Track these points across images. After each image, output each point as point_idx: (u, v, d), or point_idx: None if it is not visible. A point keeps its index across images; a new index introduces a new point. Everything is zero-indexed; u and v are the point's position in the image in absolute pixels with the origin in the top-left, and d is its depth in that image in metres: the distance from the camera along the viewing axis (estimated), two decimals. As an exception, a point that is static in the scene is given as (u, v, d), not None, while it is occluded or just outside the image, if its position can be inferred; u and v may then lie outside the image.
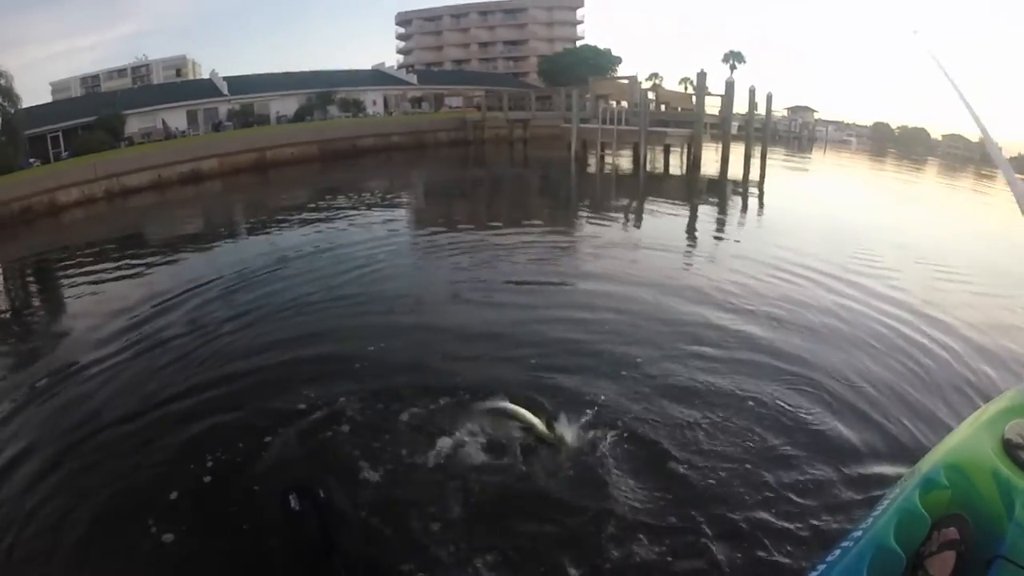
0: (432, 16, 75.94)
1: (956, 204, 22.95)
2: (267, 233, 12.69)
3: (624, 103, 26.88)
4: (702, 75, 25.02)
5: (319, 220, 13.32)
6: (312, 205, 15.86)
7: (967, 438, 2.68)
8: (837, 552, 2.19)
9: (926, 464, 2.58)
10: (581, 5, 72.25)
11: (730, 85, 26.70)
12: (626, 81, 27.99)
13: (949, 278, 9.25)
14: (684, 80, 45.47)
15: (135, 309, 7.64)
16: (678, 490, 3.82)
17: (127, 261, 10.43)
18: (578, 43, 63.72)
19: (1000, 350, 6.31)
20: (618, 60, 52.70)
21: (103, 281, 9.36)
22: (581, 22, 72.26)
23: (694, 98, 25.87)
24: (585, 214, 14.41)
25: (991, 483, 2.31)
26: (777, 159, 33.82)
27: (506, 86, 48.24)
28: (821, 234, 12.21)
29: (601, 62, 50.16)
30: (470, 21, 73.94)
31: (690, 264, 9.78)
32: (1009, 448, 2.43)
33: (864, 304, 7.60)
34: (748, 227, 13.95)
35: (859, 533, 2.24)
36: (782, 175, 27.02)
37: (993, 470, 2.35)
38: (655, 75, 61.69)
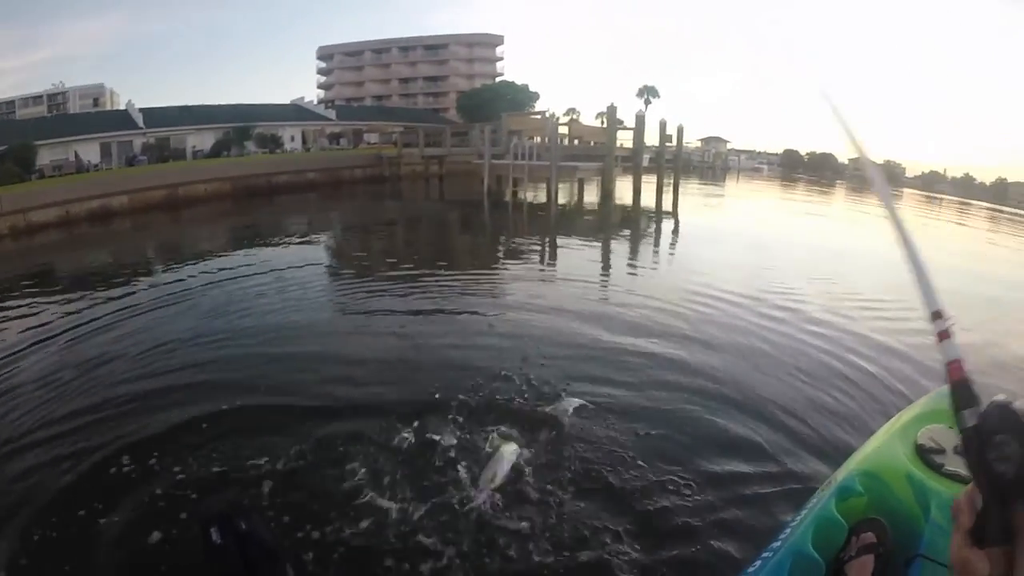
0: (354, 51, 75.90)
1: (861, 224, 23.76)
2: (175, 271, 12.03)
3: (537, 139, 26.92)
4: (612, 109, 25.43)
5: (229, 262, 12.68)
6: (223, 245, 15.33)
7: (881, 445, 2.74)
8: (758, 563, 2.21)
9: (842, 473, 2.63)
10: (501, 43, 73.54)
11: (640, 118, 27.23)
12: (539, 117, 27.96)
13: (858, 295, 9.53)
14: (601, 115, 46.29)
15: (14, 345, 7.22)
16: (604, 510, 3.76)
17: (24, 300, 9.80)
18: (497, 79, 64.28)
19: (908, 361, 6.41)
20: (536, 96, 53.55)
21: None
22: (501, 59, 73.55)
23: (632, 136, 26.41)
24: (498, 250, 14.18)
25: (906, 487, 2.38)
26: (692, 189, 34.86)
27: (426, 122, 48.30)
28: (734, 258, 12.47)
29: (519, 98, 50.78)
30: (392, 56, 74.21)
31: (603, 292, 9.73)
32: (922, 452, 2.52)
33: (778, 322, 7.73)
34: (661, 254, 14.02)
35: (778, 544, 2.26)
36: (696, 204, 27.68)
37: (907, 474, 2.41)
38: (572, 110, 63.03)
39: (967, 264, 14.83)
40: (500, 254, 13.41)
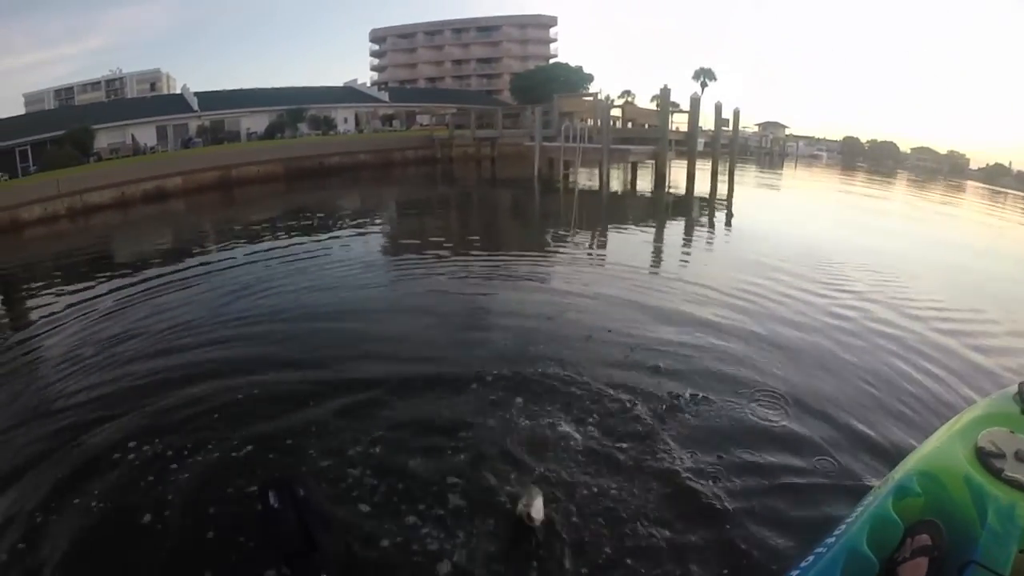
0: (406, 33, 75.92)
1: (924, 217, 22.91)
2: (227, 250, 12.27)
3: (589, 121, 26.56)
4: (666, 91, 24.79)
5: (283, 241, 12.95)
6: (274, 225, 15.47)
7: (940, 446, 2.72)
8: (811, 558, 2.19)
9: (899, 472, 2.61)
10: (555, 24, 72.77)
11: (695, 101, 26.52)
12: (591, 99, 27.54)
13: (918, 291, 9.20)
14: (655, 98, 45.41)
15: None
16: (655, 502, 3.73)
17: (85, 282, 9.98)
18: (551, 61, 63.67)
19: (971, 364, 6.19)
20: (590, 78, 52.82)
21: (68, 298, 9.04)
22: (555, 40, 72.77)
23: (687, 120, 25.79)
24: (547, 234, 13.92)
25: (964, 490, 2.35)
26: (749, 175, 34.01)
27: (478, 103, 48.14)
28: (790, 249, 12.06)
29: (573, 79, 50.17)
30: (444, 39, 74.01)
31: (652, 280, 9.49)
32: (982, 456, 2.48)
33: (837, 318, 7.48)
34: (715, 243, 13.63)
35: (832, 540, 2.24)
36: (752, 191, 26.97)
37: (966, 477, 2.38)
38: (627, 92, 62.05)
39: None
40: (549, 239, 13.18)
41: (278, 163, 28.68)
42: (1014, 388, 3.02)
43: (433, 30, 74.60)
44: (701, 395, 5.05)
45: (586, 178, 24.40)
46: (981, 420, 2.81)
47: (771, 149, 56.88)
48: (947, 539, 2.17)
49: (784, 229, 15.80)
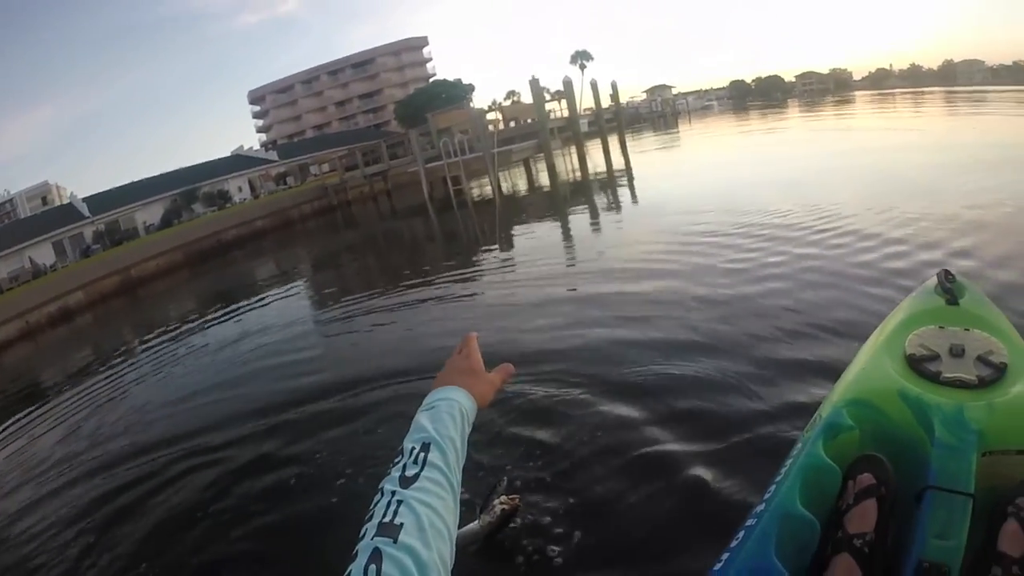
0: (283, 87, 74.96)
1: (817, 139, 23.41)
2: (144, 351, 11.28)
3: (469, 131, 26.09)
4: (534, 81, 24.53)
5: (187, 333, 12.00)
6: (176, 318, 14.42)
7: (866, 366, 2.37)
8: (741, 535, 1.78)
9: (827, 407, 2.23)
10: (426, 44, 72.77)
11: (568, 84, 26.33)
12: (463, 110, 27.05)
13: (829, 208, 9.29)
14: (544, 89, 45.29)
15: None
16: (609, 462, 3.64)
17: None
18: (431, 80, 63.35)
19: (893, 267, 6.16)
20: (471, 88, 52.60)
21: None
22: (430, 60, 72.56)
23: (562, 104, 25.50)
24: (452, 252, 13.87)
25: (902, 408, 2.05)
26: (646, 141, 34.20)
27: (368, 139, 47.30)
28: (696, 200, 12.35)
29: (455, 94, 49.90)
30: (322, 84, 73.25)
31: (565, 264, 9.73)
32: (914, 363, 2.21)
33: (755, 257, 7.48)
34: (623, 218, 13.60)
35: (762, 507, 1.85)
36: (652, 156, 27.03)
37: (900, 393, 2.08)
38: (513, 92, 61.85)
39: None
40: (455, 256, 13.01)
41: (177, 251, 27.44)
42: (935, 280, 2.70)
43: (309, 78, 73.78)
44: (643, 360, 4.93)
45: (480, 189, 23.94)
46: (906, 323, 2.50)
47: (663, 111, 57.96)
48: (893, 472, 1.83)
49: (688, 184, 15.99)
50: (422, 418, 0.95)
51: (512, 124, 29.10)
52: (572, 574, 2.96)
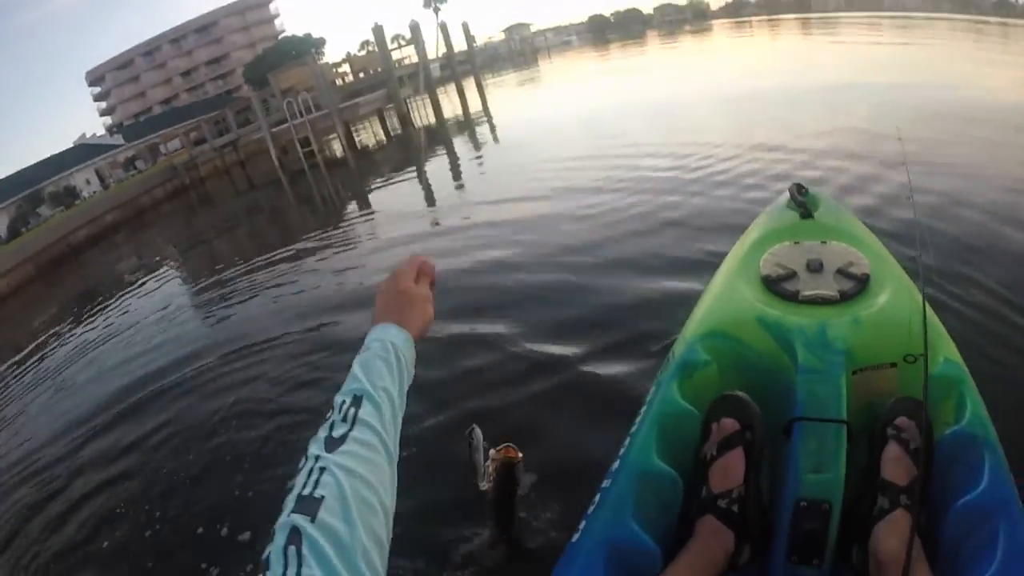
0: (123, 63, 69.40)
1: (679, 61, 23.97)
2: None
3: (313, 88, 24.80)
4: (378, 28, 23.40)
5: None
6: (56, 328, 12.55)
7: (719, 294, 2.20)
8: (596, 499, 1.56)
9: (680, 345, 2.05)
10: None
11: (415, 28, 25.34)
12: (306, 65, 25.55)
13: (692, 124, 10.05)
14: (396, 37, 43.47)
15: None
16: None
17: None
18: (280, 37, 60.15)
19: (748, 182, 6.43)
20: (321, 42, 50.26)
21: None
22: (277, 16, 68.83)
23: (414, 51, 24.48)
24: (311, 222, 13.06)
25: (762, 335, 1.85)
26: (506, 80, 34.12)
27: (220, 108, 44.47)
28: (559, 131, 12.83)
29: (304, 49, 47.36)
30: (164, 54, 68.36)
31: (431, 214, 9.60)
32: (770, 284, 2.05)
33: (617, 184, 7.69)
34: (484, 154, 13.82)
35: (617, 464, 1.63)
36: (511, 94, 27.19)
37: (759, 319, 1.89)
38: (367, 43, 59.67)
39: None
40: (316, 223, 12.23)
41: (27, 264, 24.50)
42: (787, 195, 2.59)
43: (150, 49, 68.32)
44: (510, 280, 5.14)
45: (334, 147, 22.98)
46: (760, 243, 2.34)
47: (522, 49, 58.14)
48: (758, 411, 1.67)
49: (544, 117, 16.39)
50: (356, 365, 0.84)
51: (361, 75, 27.82)
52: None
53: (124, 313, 10.62)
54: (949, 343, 1.88)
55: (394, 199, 11.88)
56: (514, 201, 8.06)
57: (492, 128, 17.88)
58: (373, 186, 14.43)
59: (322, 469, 0.66)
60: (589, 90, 22.40)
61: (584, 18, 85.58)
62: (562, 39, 69.66)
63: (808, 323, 1.83)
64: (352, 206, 12.83)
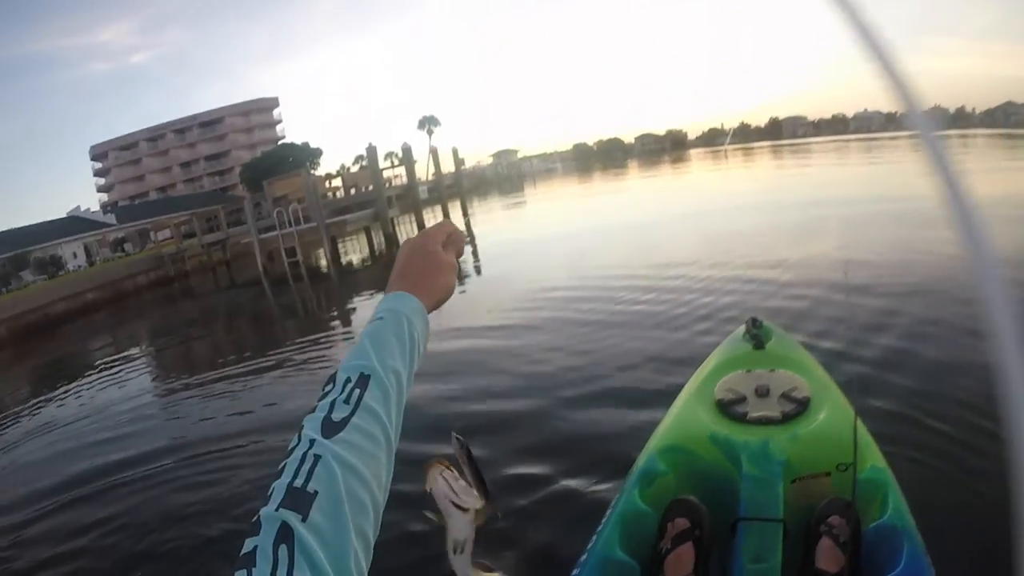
0: (127, 144, 71.13)
1: (656, 190, 25.15)
2: None
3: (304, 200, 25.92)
4: (371, 149, 24.83)
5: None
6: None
7: (680, 414, 2.55)
8: None
9: (643, 457, 2.37)
10: (276, 105, 71.57)
11: (407, 151, 26.82)
12: (300, 176, 26.86)
13: (665, 255, 10.68)
14: (390, 155, 45.19)
15: None
16: None
17: None
18: (280, 143, 62.28)
19: (707, 313, 7.02)
20: (319, 152, 52.14)
21: None
22: (280, 122, 71.32)
23: (404, 172, 25.57)
24: (290, 332, 13.39)
25: (713, 450, 2.21)
26: (493, 204, 35.19)
27: (213, 204, 45.62)
28: (540, 260, 13.32)
29: (302, 158, 49.29)
30: (168, 142, 70.30)
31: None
32: (723, 408, 2.37)
33: (598, 306, 8.35)
34: (466, 284, 13.66)
35: (585, 556, 1.95)
36: (497, 217, 27.76)
37: (711, 436, 2.25)
38: (361, 157, 61.90)
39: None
40: (294, 334, 12.61)
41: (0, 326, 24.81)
42: (743, 327, 2.92)
43: (155, 135, 70.48)
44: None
45: (317, 260, 23.69)
46: (716, 370, 2.69)
47: (509, 174, 59.85)
48: (707, 513, 1.94)
49: (528, 248, 16.91)
50: (365, 337, 0.76)
51: (352, 191, 29.19)
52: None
53: (93, 396, 10.68)
54: (876, 452, 2.18)
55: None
56: (491, 329, 8.31)
57: (475, 253, 18.53)
58: (354, 303, 14.82)
59: (317, 457, 0.60)
60: (571, 217, 23.49)
61: (569, 146, 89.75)
62: (547, 166, 72.07)
63: (753, 440, 2.14)
64: (331, 321, 13.20)
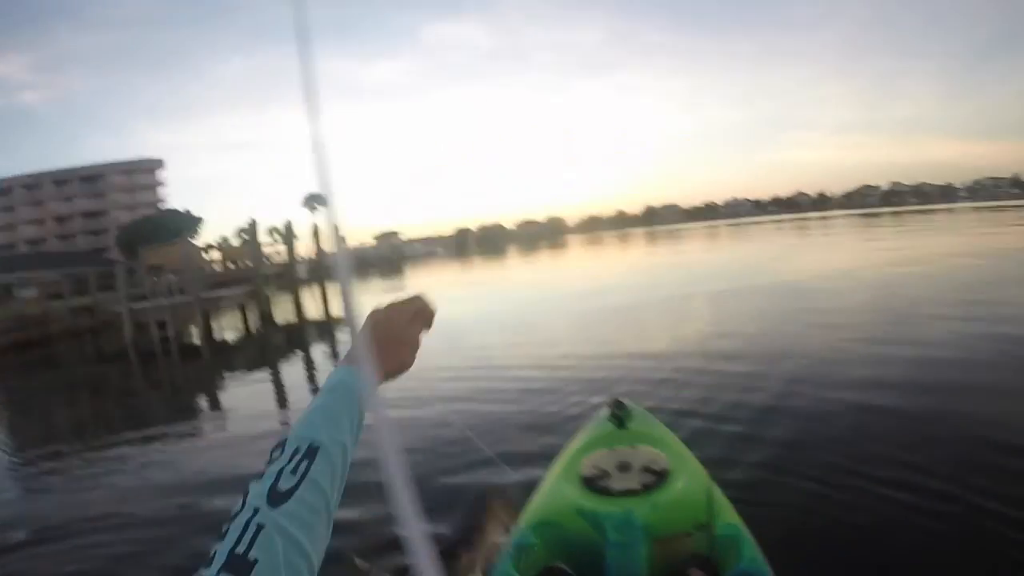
0: (3, 189, 66.80)
1: (534, 274, 27.94)
2: None
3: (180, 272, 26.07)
4: (252, 225, 25.20)
5: None
6: None
7: (547, 491, 2.74)
8: None
9: (516, 532, 2.53)
10: (160, 167, 69.84)
11: (289, 228, 27.36)
12: (177, 246, 26.79)
13: (543, 337, 11.90)
14: (272, 230, 45.09)
15: None
16: None
17: None
18: (161, 207, 61.03)
19: (575, 386, 7.72)
20: (199, 221, 51.57)
21: None
22: (163, 184, 69.49)
23: (285, 247, 25.68)
24: (156, 409, 13.06)
25: (580, 521, 2.39)
26: (373, 287, 35.49)
27: (88, 264, 44.03)
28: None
29: (183, 226, 48.63)
30: (45, 193, 66.99)
31: (279, 419, 9.78)
32: (588, 484, 2.56)
33: (476, 385, 8.87)
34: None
35: None
36: (373, 301, 27.85)
37: (578, 510, 2.42)
38: (243, 230, 61.46)
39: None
40: (161, 412, 12.34)
41: None
42: (607, 409, 3.09)
43: (32, 183, 66.84)
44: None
45: (191, 334, 23.67)
46: (581, 449, 2.86)
47: (391, 256, 60.98)
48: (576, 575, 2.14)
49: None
50: (317, 409, 0.77)
51: (231, 265, 29.48)
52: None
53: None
54: (730, 510, 2.41)
55: (245, 398, 12.03)
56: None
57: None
58: (225, 382, 15.01)
59: (259, 526, 0.60)
60: (450, 303, 23.54)
61: (451, 229, 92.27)
62: (428, 249, 73.22)
63: (617, 511, 2.31)
64: (199, 399, 13.20)
